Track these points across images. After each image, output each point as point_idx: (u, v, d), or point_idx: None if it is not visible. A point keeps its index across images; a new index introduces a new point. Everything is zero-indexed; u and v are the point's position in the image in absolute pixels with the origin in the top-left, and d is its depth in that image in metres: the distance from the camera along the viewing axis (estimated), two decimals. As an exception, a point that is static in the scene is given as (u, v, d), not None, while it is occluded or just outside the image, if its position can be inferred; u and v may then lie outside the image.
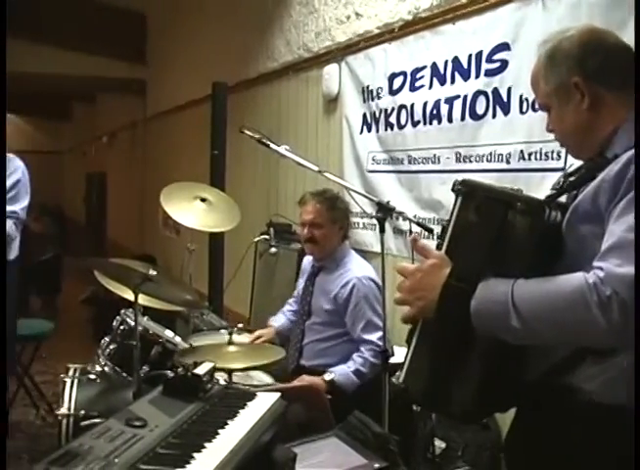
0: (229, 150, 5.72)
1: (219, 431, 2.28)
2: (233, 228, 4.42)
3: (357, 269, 3.93)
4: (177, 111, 9.10)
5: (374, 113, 4.80)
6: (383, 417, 3.25)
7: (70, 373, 3.88)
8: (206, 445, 2.16)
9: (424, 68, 4.34)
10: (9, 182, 4.62)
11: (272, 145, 3.66)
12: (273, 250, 5.00)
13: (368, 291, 3.82)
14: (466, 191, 1.84)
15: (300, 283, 4.30)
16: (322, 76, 5.34)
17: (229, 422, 2.38)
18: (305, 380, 3.67)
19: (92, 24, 9.96)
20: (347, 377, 3.67)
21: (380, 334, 3.71)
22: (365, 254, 4.70)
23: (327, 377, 3.65)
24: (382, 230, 3.36)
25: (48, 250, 10.47)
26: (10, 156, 4.76)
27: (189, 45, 8.75)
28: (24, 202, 4.70)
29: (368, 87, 4.86)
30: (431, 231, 3.59)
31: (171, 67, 9.53)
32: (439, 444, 3.74)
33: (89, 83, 11.47)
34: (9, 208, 4.57)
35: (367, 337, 3.75)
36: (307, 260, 4.30)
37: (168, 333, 4.04)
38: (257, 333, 4.31)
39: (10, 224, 4.58)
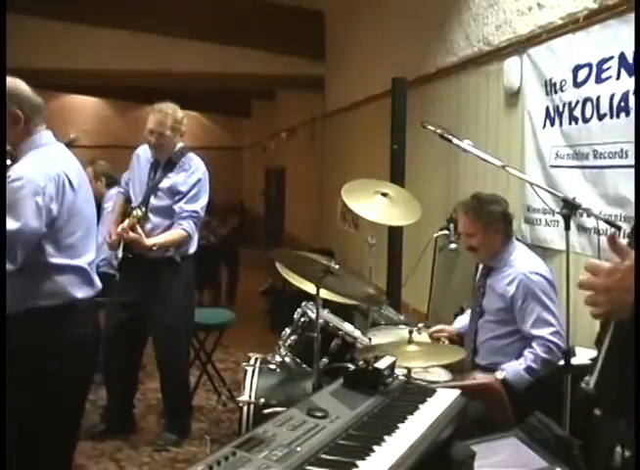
0: (408, 145, 5.73)
1: (399, 425, 2.30)
2: (412, 223, 4.43)
3: (523, 265, 3.84)
4: (356, 106, 9.16)
5: (557, 106, 4.65)
6: (564, 419, 3.17)
7: (252, 362, 4.00)
8: (386, 438, 2.17)
9: (611, 58, 4.16)
10: (190, 181, 4.82)
11: (454, 140, 3.64)
12: (453, 246, 4.96)
13: (535, 286, 3.73)
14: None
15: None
16: (502, 70, 5.23)
17: (409, 417, 2.39)
18: (479, 378, 3.63)
19: (272, 24, 10.24)
20: (519, 374, 3.60)
21: (551, 329, 3.62)
22: (546, 251, 4.58)
23: (499, 375, 3.60)
24: (567, 227, 3.27)
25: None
26: (190, 155, 4.96)
27: (367, 41, 8.80)
28: (204, 201, 4.90)
29: (551, 80, 4.72)
30: (619, 228, 3.45)
31: (350, 63, 9.62)
32: (624, 451, 3.59)
33: (269, 81, 11.74)
34: (189, 207, 4.77)
35: (537, 333, 3.66)
36: None
37: (348, 326, 4.09)
38: (439, 327, 4.34)
39: (191, 224, 4.78)
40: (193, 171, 4.86)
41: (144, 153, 5.00)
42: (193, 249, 4.98)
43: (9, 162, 2.75)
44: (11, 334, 2.76)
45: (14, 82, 2.87)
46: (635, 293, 1.43)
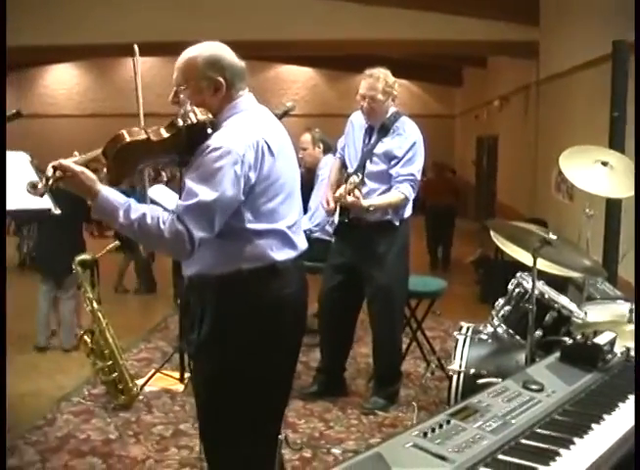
0: (629, 111, 5.44)
1: (619, 404, 2.22)
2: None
3: None
4: (572, 72, 8.82)
5: None
6: None
7: (463, 331, 3.98)
8: (605, 416, 2.11)
9: None
10: (406, 145, 4.84)
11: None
12: (676, 220, 4.68)
13: None
14: None
15: None
16: None
17: (629, 396, 2.29)
18: None
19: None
20: None
21: None
22: None
23: None
24: None
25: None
26: (403, 119, 4.97)
27: (584, 3, 8.42)
28: (419, 164, 4.89)
29: None
30: None
31: (565, 26, 9.25)
32: None
33: (481, 48, 11.56)
34: (406, 170, 4.79)
35: None
36: None
37: (564, 299, 3.97)
38: None
39: (408, 187, 4.80)
40: (408, 135, 4.88)
41: (358, 119, 5.07)
42: (409, 213, 5.02)
43: (210, 130, 2.70)
44: (216, 296, 2.81)
45: (215, 47, 2.84)
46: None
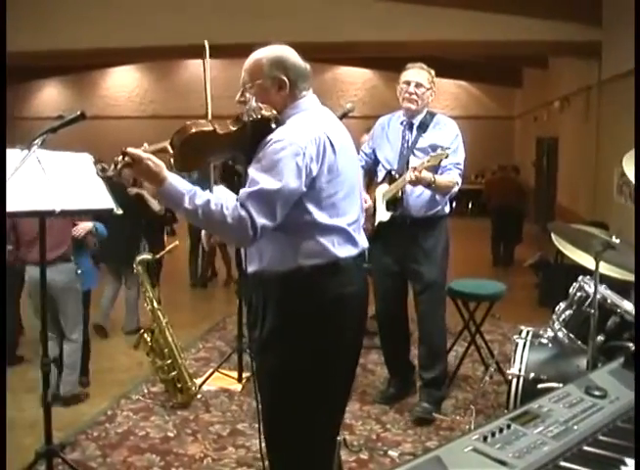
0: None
1: (686, 411, 2.16)
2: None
3: None
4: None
5: None
6: None
7: (523, 335, 3.93)
8: (671, 424, 2.05)
9: None
10: (449, 137, 4.85)
11: None
12: None
13: None
14: None
15: None
16: None
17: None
18: None
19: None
20: None
21: None
22: None
23: None
24: None
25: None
26: (439, 115, 5.00)
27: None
28: (463, 155, 4.91)
29: None
30: None
31: (628, 26, 9.04)
32: None
33: (541, 48, 11.42)
34: (452, 159, 4.77)
35: None
36: None
37: (627, 304, 3.89)
38: None
39: (456, 174, 4.80)
40: (449, 128, 4.92)
41: (388, 121, 5.12)
42: (448, 209, 5.03)
43: (274, 125, 2.78)
44: (278, 293, 2.85)
45: (280, 49, 2.93)
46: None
